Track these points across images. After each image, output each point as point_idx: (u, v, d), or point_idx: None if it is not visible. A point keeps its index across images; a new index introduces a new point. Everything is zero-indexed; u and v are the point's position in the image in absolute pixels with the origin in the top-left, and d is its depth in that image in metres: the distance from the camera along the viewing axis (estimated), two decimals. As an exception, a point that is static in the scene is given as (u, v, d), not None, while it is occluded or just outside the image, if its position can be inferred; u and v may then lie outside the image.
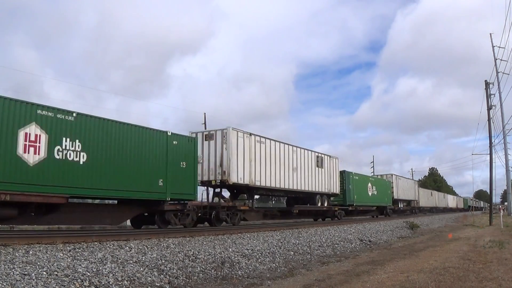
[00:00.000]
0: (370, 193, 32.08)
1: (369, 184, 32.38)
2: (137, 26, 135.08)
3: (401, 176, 43.54)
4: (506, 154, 41.84)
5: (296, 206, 22.68)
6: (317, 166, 23.76)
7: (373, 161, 70.61)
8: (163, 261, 8.17)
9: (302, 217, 25.56)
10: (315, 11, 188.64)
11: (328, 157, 25.60)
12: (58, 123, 10.89)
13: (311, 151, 23.56)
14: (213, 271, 8.47)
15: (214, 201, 17.88)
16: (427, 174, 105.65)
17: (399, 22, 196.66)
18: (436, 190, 71.68)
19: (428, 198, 53.71)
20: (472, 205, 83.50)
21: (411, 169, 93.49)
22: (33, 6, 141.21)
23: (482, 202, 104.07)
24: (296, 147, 22.05)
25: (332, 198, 26.44)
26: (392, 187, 37.90)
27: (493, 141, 31.37)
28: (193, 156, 15.31)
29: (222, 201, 17.76)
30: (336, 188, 25.83)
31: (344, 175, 27.99)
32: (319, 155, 24.31)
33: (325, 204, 24.82)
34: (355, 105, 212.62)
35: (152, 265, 7.82)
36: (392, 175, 39.46)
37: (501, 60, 39.06)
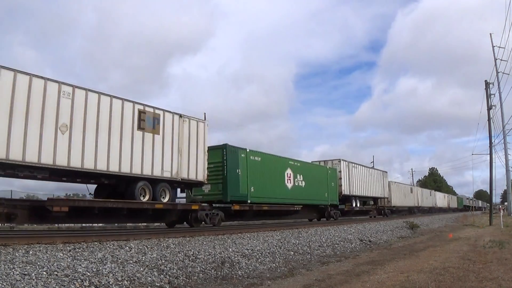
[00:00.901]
0: (289, 185, 21.16)
1: (289, 171, 21.31)
2: (136, 26, 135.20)
3: (357, 163, 31.01)
4: (506, 154, 41.86)
5: (55, 200, 12.45)
6: (140, 128, 13.60)
7: (373, 161, 70.56)
8: (163, 261, 8.17)
9: (107, 219, 15.17)
10: (315, 10, 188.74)
11: (177, 116, 14.81)
12: None
13: (123, 100, 13.21)
14: (213, 271, 8.47)
15: None
16: (427, 174, 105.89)
17: (400, 21, 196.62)
18: (436, 190, 69.96)
19: (405, 195, 43.65)
20: (467, 205, 79.25)
21: (411, 169, 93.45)
22: (33, 6, 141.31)
23: (480, 202, 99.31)
24: (73, 86, 11.85)
25: (209, 191, 17.20)
26: (340, 178, 27.35)
27: (493, 141, 31.44)
28: None
29: None
30: (197, 173, 15.44)
31: (225, 153, 17.06)
32: (147, 109, 13.91)
33: (166, 199, 14.63)
34: (355, 105, 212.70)
35: (152, 265, 7.83)
36: (340, 161, 28.00)
37: (501, 60, 39.11)
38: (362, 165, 32.31)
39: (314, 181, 23.72)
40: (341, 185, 27.38)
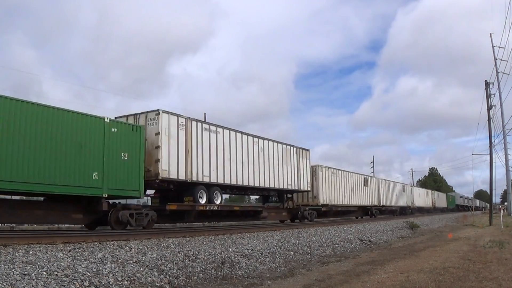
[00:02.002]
0: None
1: None
2: (136, 25, 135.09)
3: (222, 126, 16.77)
4: (506, 154, 41.82)
5: None
6: None
7: (373, 161, 70.42)
8: (163, 261, 8.18)
9: None
10: (316, 10, 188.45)
11: None
12: None
13: None
14: (213, 271, 8.47)
15: None
16: (427, 174, 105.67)
17: (400, 21, 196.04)
18: (436, 190, 67.38)
19: (352, 189, 28.54)
20: (461, 204, 74.74)
21: (411, 169, 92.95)
22: (32, 5, 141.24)
23: (477, 201, 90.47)
24: None
25: None
26: (158, 147, 13.55)
27: (493, 141, 31.45)
28: None
29: None
30: None
31: None
32: None
33: None
34: (355, 104, 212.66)
35: (152, 265, 7.83)
36: (159, 114, 13.76)
37: (501, 60, 39.05)
38: (238, 131, 17.76)
39: (37, 143, 10.40)
40: (158, 161, 13.61)
